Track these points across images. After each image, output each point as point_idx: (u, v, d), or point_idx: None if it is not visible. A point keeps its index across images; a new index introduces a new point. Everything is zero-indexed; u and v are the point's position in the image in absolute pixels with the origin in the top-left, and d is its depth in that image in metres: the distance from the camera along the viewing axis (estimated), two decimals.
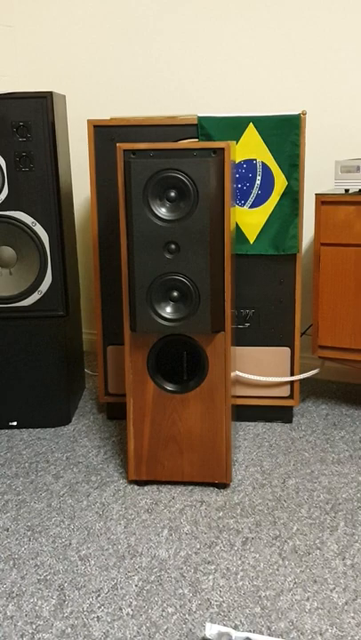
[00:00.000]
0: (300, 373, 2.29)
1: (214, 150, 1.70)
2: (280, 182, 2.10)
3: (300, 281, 2.20)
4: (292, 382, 2.25)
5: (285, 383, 2.25)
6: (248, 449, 2.10)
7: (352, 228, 2.08)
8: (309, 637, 1.34)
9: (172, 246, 1.71)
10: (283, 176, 2.10)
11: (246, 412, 2.30)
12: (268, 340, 2.23)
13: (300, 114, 2.05)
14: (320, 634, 1.34)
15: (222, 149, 1.70)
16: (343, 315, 2.15)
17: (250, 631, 1.35)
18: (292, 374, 2.24)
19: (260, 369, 2.24)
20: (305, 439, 2.16)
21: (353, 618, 1.38)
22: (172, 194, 1.69)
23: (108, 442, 2.15)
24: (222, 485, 1.87)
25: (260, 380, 2.23)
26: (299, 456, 2.05)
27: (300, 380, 2.63)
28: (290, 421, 2.29)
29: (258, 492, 1.85)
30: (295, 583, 1.49)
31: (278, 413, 2.29)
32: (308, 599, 1.44)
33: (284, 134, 2.06)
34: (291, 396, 2.26)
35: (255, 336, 2.23)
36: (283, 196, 2.11)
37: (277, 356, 2.23)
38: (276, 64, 2.49)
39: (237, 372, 2.21)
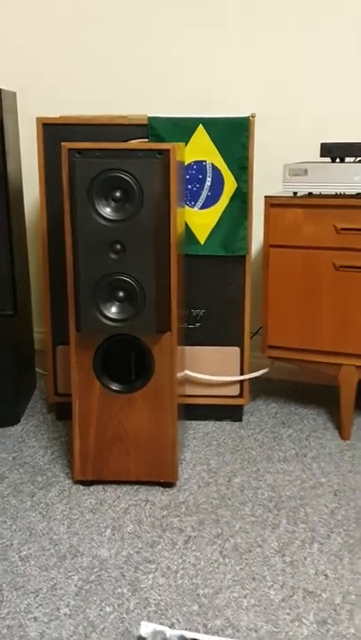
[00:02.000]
0: (251, 373, 2.31)
1: (160, 151, 1.71)
2: (230, 184, 2.12)
3: (250, 282, 2.23)
4: (241, 381, 2.27)
5: (235, 382, 2.27)
6: (197, 448, 2.12)
7: (300, 230, 2.11)
8: (244, 634, 1.36)
9: (118, 246, 1.71)
10: (232, 178, 2.12)
11: (197, 411, 2.31)
12: (218, 340, 2.25)
13: (249, 116, 2.08)
14: (255, 630, 1.36)
15: (168, 151, 1.71)
16: (291, 315, 2.18)
17: (185, 629, 1.36)
18: (241, 374, 2.27)
19: (211, 368, 2.26)
20: (253, 437, 2.19)
21: (288, 614, 1.41)
22: (118, 194, 1.70)
23: (55, 442, 2.14)
24: (168, 484, 1.89)
25: (209, 379, 2.25)
26: (246, 454, 2.07)
27: (251, 379, 2.66)
28: (240, 420, 2.32)
29: (203, 491, 1.87)
30: (234, 581, 1.51)
31: (228, 412, 2.31)
32: (245, 596, 1.46)
33: (234, 137, 2.08)
34: (240, 395, 2.28)
35: (206, 336, 2.25)
36: (232, 197, 2.13)
37: (227, 355, 2.25)
38: (228, 67, 2.51)
39: (187, 372, 2.23)
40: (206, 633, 1.35)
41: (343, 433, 2.19)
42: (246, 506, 1.80)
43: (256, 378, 2.68)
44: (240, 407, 2.31)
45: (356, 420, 2.32)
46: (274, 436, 2.20)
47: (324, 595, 1.46)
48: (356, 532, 1.68)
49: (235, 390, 2.28)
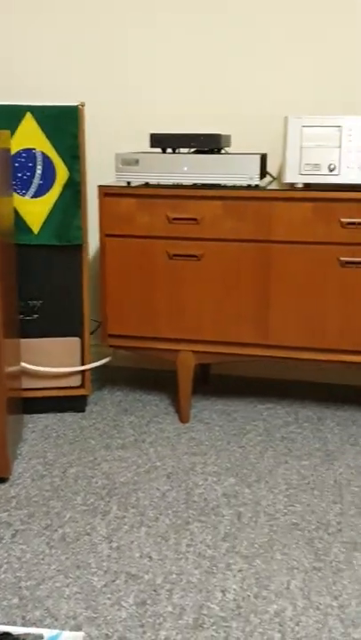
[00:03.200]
0: (95, 362, 2.32)
1: None
2: (62, 173, 2.10)
3: (88, 272, 2.22)
4: (82, 372, 2.27)
5: (76, 373, 2.26)
6: (35, 441, 2.10)
7: (134, 219, 2.14)
8: (63, 622, 1.36)
9: None
10: (64, 167, 2.10)
11: (37, 404, 2.29)
12: (57, 331, 2.23)
13: (78, 105, 2.06)
14: (74, 618, 1.37)
15: None
16: (130, 304, 2.20)
17: (4, 623, 1.35)
18: (82, 364, 2.26)
19: (51, 360, 2.24)
20: (94, 427, 2.20)
21: (109, 599, 1.43)
22: None
23: None
24: (0, 480, 1.85)
25: (48, 371, 2.23)
26: (85, 444, 2.08)
27: (96, 369, 2.67)
28: (82, 410, 2.32)
29: (36, 484, 1.85)
30: (58, 570, 1.51)
31: (71, 403, 2.31)
32: (67, 585, 1.47)
33: (63, 125, 2.06)
34: (82, 386, 2.28)
35: (44, 327, 2.22)
36: (65, 186, 2.12)
37: (67, 346, 2.24)
38: (58, 55, 2.48)
39: (23, 364, 2.19)
40: (24, 625, 1.35)
41: (182, 417, 2.25)
42: (79, 495, 1.80)
43: (101, 367, 2.69)
44: (83, 397, 2.31)
45: (197, 403, 2.39)
46: (115, 424, 2.23)
47: (146, 576, 1.50)
48: (184, 512, 1.73)
49: (76, 381, 2.27)
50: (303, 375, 2.62)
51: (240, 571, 1.51)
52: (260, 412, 2.34)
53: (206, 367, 2.59)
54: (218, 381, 2.61)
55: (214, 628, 1.34)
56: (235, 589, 1.45)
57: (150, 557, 1.56)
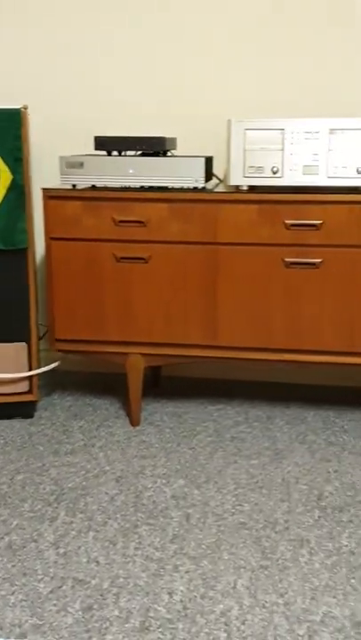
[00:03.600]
0: (43, 367, 2.29)
1: None
2: (5, 176, 2.08)
3: (35, 276, 2.20)
4: (30, 377, 2.24)
5: (24, 379, 2.24)
6: None
7: (80, 222, 2.12)
8: (7, 631, 1.34)
9: None
10: (7, 170, 2.08)
11: None
12: (3, 337, 2.20)
13: (20, 108, 2.04)
14: (19, 626, 1.35)
15: None
16: (77, 308, 2.18)
17: None
18: (30, 369, 2.24)
19: None
20: (42, 433, 2.18)
21: (55, 605, 1.42)
22: None
23: None
24: None
25: None
26: (33, 450, 2.06)
27: (45, 374, 2.64)
28: (31, 416, 2.29)
29: None
30: (4, 579, 1.49)
31: (18, 409, 2.28)
32: (13, 593, 1.45)
33: (6, 128, 2.04)
34: (30, 392, 2.26)
35: None
36: (9, 190, 2.09)
37: (14, 351, 2.21)
38: (1, 57, 2.45)
39: None
40: None
41: (132, 420, 2.25)
42: (26, 502, 1.78)
43: (51, 372, 2.67)
44: (31, 403, 2.28)
45: (148, 406, 2.39)
46: (64, 429, 2.21)
47: (93, 581, 1.49)
48: (132, 515, 1.73)
49: (24, 387, 2.24)
50: (253, 375, 2.65)
51: (187, 572, 1.51)
52: (211, 412, 2.35)
53: (157, 369, 2.59)
54: (169, 383, 2.61)
55: (160, 630, 1.34)
56: (182, 591, 1.45)
57: (98, 562, 1.55)
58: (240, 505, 1.78)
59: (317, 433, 2.19)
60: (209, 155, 2.43)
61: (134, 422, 2.24)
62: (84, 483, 1.88)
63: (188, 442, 2.13)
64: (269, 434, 2.19)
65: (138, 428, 2.22)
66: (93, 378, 2.64)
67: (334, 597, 1.43)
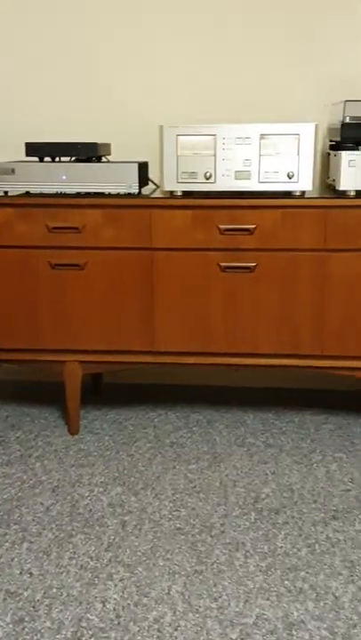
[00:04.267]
0: None
1: None
2: None
3: None
4: None
5: None
6: None
7: (13, 229, 2.09)
8: None
9: None
10: None
11: None
12: None
13: None
14: None
15: None
16: (13, 316, 2.15)
17: None
18: None
19: None
20: None
21: None
22: None
23: None
24: None
25: None
26: None
27: None
28: None
29: None
30: None
31: None
32: None
33: None
34: None
35: None
36: None
37: None
38: None
39: None
40: None
41: (71, 428, 2.22)
42: None
43: None
44: None
45: (88, 414, 2.37)
46: (1, 440, 2.16)
47: (25, 593, 1.46)
48: (68, 525, 1.71)
49: None
50: (193, 379, 2.65)
51: (121, 580, 1.50)
52: (152, 418, 2.34)
53: (98, 377, 2.57)
54: (110, 390, 2.60)
55: (93, 639, 1.33)
56: (115, 599, 1.44)
57: (31, 573, 1.52)
58: (177, 510, 1.77)
59: (256, 435, 2.21)
60: (145, 160, 2.43)
61: (73, 431, 2.22)
62: (19, 494, 1.84)
63: (127, 449, 2.11)
64: (209, 438, 2.19)
65: (77, 436, 2.20)
66: (31, 387, 2.61)
67: (268, 599, 1.44)
